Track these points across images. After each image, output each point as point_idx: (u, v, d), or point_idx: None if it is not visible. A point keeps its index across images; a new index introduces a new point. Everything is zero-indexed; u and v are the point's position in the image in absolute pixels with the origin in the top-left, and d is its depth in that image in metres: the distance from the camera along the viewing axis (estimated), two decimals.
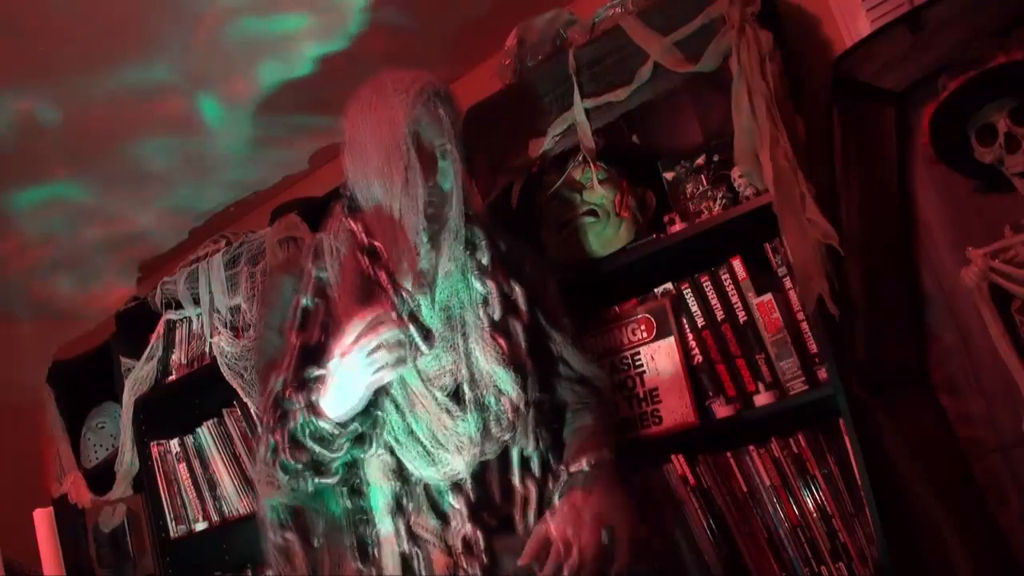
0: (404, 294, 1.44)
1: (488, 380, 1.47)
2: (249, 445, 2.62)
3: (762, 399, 1.78)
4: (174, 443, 2.77)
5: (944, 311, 1.78)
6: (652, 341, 1.93)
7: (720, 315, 1.85)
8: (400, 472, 1.45)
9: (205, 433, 2.71)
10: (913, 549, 1.62)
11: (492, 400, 1.47)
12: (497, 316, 1.50)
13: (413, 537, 1.44)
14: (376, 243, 1.47)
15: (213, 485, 2.70)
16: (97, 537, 3.20)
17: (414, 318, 1.44)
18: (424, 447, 1.44)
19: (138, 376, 2.79)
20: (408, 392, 1.45)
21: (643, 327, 1.95)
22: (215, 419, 2.70)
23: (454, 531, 1.43)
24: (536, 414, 1.51)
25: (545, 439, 1.52)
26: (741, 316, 1.83)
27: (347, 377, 1.34)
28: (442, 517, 1.45)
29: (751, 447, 1.78)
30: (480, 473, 1.46)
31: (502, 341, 1.48)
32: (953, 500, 1.68)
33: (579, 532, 1.35)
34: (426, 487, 1.46)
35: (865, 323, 1.71)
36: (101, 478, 2.98)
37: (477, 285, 1.52)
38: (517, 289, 1.53)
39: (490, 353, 1.47)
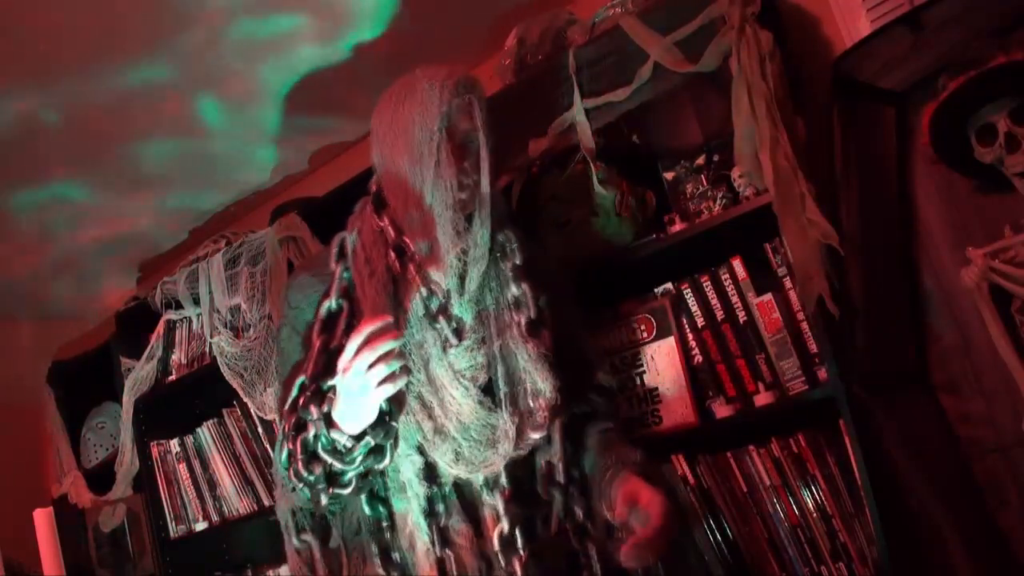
0: (434, 287, 1.45)
1: (522, 378, 1.46)
2: (249, 445, 2.63)
3: (762, 399, 1.78)
4: (174, 443, 2.78)
5: (944, 311, 1.79)
6: (652, 341, 1.93)
7: (720, 315, 1.85)
8: (431, 474, 1.44)
9: (205, 433, 2.71)
10: (913, 549, 1.62)
11: (525, 398, 1.45)
12: (531, 318, 1.49)
13: (446, 541, 1.42)
14: (405, 239, 1.47)
15: (213, 485, 2.70)
16: (97, 537, 3.20)
17: (444, 311, 1.44)
18: (457, 442, 1.42)
19: (138, 376, 2.80)
20: (437, 387, 1.44)
21: (643, 327, 1.95)
22: (215, 419, 2.70)
23: (489, 530, 1.42)
24: (561, 422, 1.49)
25: (568, 449, 1.49)
26: (741, 316, 1.83)
27: (350, 393, 1.32)
28: (474, 521, 1.44)
29: (751, 447, 1.78)
30: (512, 471, 1.45)
31: (535, 343, 1.47)
32: (953, 500, 1.68)
33: (656, 493, 1.35)
34: (458, 489, 1.45)
35: (865, 323, 1.71)
36: (101, 478, 2.98)
37: (512, 287, 1.50)
38: (543, 294, 1.52)
39: (524, 354, 1.46)
